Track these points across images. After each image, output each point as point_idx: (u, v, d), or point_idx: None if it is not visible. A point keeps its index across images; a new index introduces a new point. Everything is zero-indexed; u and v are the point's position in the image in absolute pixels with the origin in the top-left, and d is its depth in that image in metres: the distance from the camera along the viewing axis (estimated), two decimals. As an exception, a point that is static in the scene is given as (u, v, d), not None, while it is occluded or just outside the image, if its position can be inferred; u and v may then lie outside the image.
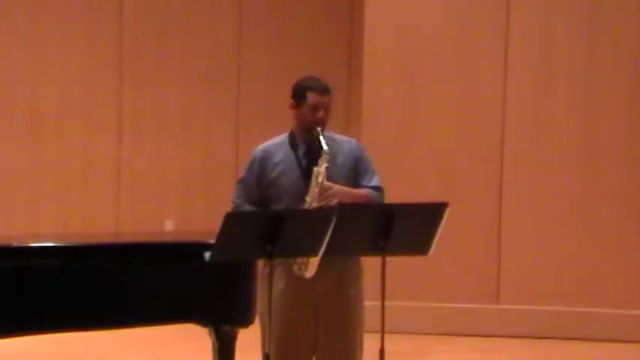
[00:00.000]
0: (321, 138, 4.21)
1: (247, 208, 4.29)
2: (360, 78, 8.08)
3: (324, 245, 3.91)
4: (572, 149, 7.74)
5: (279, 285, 4.21)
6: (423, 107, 7.84)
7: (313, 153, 4.26)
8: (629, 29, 7.69)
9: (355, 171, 4.34)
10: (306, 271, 4.19)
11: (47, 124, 9.45)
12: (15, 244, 4.26)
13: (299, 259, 4.17)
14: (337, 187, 4.21)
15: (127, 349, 6.95)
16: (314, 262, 4.16)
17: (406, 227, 4.00)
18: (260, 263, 4.26)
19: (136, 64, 9.55)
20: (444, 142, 7.81)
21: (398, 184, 7.78)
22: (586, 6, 7.73)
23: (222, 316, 4.41)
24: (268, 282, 4.01)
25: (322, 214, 4.01)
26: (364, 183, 4.35)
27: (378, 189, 4.36)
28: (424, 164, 7.76)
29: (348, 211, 3.97)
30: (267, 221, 3.88)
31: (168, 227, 9.44)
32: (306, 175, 4.24)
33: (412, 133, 7.83)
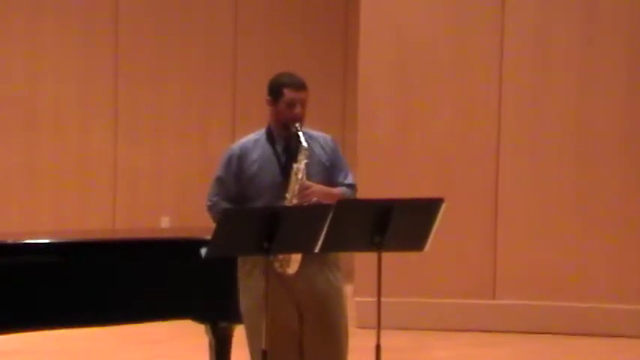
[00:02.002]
0: (300, 134, 4.21)
1: (224, 205, 4.26)
2: (355, 76, 8.09)
3: (321, 241, 3.92)
4: (568, 146, 7.75)
5: (259, 283, 4.15)
6: (419, 105, 7.85)
7: (291, 149, 4.26)
8: (625, 28, 7.70)
9: (331, 167, 4.35)
10: (288, 268, 4.18)
11: (44, 122, 9.46)
12: (11, 241, 4.27)
13: (280, 257, 4.15)
14: (316, 187, 4.22)
15: (125, 346, 6.95)
16: (296, 258, 4.16)
17: (402, 223, 4.01)
18: (240, 262, 4.25)
19: (132, 63, 9.56)
20: (440, 139, 7.82)
21: (394, 181, 7.83)
22: (582, 5, 7.74)
23: (219, 312, 4.43)
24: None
25: (318, 210, 4.02)
26: (340, 179, 4.36)
27: (351, 187, 4.37)
28: (420, 161, 7.77)
29: (344, 207, 3.98)
30: (264, 218, 3.89)
31: (164, 224, 9.45)
32: (286, 171, 4.24)
33: (408, 130, 7.84)
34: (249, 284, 4.24)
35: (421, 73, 7.84)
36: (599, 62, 7.71)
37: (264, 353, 4.02)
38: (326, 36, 9.88)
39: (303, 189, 4.18)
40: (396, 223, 3.99)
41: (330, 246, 3.96)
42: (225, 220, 3.85)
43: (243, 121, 9.67)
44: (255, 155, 4.32)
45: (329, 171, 4.35)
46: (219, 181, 4.38)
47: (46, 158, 9.45)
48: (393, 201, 4.16)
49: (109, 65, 9.52)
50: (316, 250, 3.95)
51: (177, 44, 9.62)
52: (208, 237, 3.91)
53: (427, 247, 4.10)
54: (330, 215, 3.89)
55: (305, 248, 4.02)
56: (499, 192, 7.81)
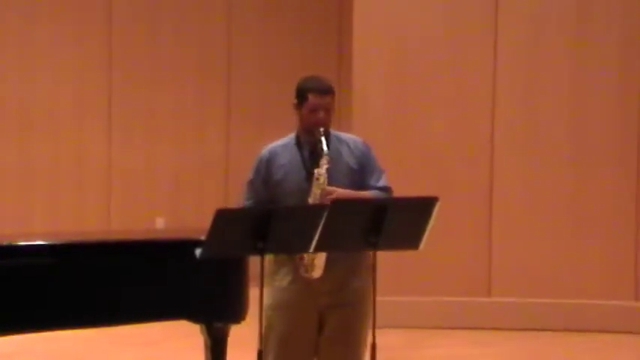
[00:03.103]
0: (322, 139, 4.16)
1: None
2: (350, 76, 8.08)
3: (315, 241, 3.91)
4: (562, 145, 7.77)
5: (283, 283, 4.20)
6: (413, 103, 7.85)
7: (317, 154, 4.20)
8: (617, 28, 7.71)
9: (360, 170, 4.30)
10: (313, 272, 4.16)
11: (38, 122, 9.45)
12: (6, 243, 4.26)
13: (305, 261, 4.14)
14: (340, 191, 4.16)
15: (119, 347, 6.95)
16: (319, 263, 4.14)
17: (397, 222, 4.00)
18: (266, 260, 4.24)
19: (126, 63, 9.55)
20: (435, 137, 7.83)
21: (389, 180, 7.82)
22: (575, 5, 7.75)
23: (214, 312, 4.42)
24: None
25: (313, 210, 4.01)
26: (372, 183, 4.30)
27: (385, 189, 4.32)
28: (415, 160, 7.77)
29: (338, 206, 3.97)
30: (258, 218, 3.88)
31: (159, 225, 9.44)
32: (311, 176, 4.19)
33: (403, 129, 7.84)
34: (274, 284, 4.25)
35: (415, 73, 7.84)
36: (592, 61, 7.73)
37: (260, 354, 4.01)
38: (320, 36, 9.87)
39: (326, 194, 4.12)
40: (391, 223, 3.98)
41: (325, 246, 3.95)
42: (219, 220, 3.85)
43: (237, 122, 9.68)
44: (282, 160, 4.28)
45: (358, 174, 4.29)
46: (251, 184, 4.35)
47: (40, 159, 9.44)
48: (388, 200, 4.16)
49: (103, 66, 9.52)
50: (311, 250, 3.95)
51: (171, 44, 9.62)
52: (203, 237, 3.90)
53: (422, 245, 4.09)
54: (325, 215, 3.88)
55: (300, 248, 4.01)
56: (494, 190, 7.81)
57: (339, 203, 4.01)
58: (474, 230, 7.80)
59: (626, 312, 7.63)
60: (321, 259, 4.14)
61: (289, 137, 4.35)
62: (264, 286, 4.19)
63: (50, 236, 4.66)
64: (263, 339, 4.09)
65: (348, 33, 8.37)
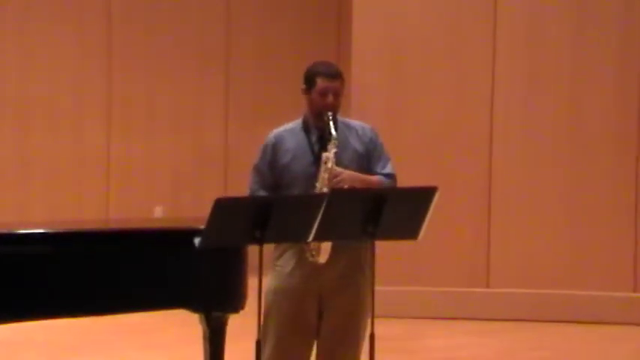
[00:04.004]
0: (331, 123, 4.16)
1: (262, 194, 4.26)
2: (348, 65, 8.07)
3: (314, 231, 3.91)
4: (561, 136, 7.77)
5: (287, 267, 4.21)
6: (411, 93, 7.85)
7: (325, 139, 4.20)
8: (616, 23, 7.72)
9: (367, 156, 4.31)
10: (319, 257, 4.16)
11: (37, 114, 9.45)
12: (4, 231, 4.26)
13: (312, 245, 4.14)
14: (347, 173, 4.17)
15: (118, 336, 6.95)
16: (325, 247, 4.14)
17: (396, 212, 4.00)
18: (271, 247, 4.24)
19: (125, 55, 9.55)
20: (433, 127, 7.82)
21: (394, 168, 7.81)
22: (573, 1, 7.74)
23: (213, 302, 4.41)
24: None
25: (311, 199, 4.01)
26: (377, 169, 4.31)
27: (390, 176, 4.32)
28: (413, 150, 7.77)
29: (337, 196, 3.97)
30: (257, 207, 3.88)
31: (157, 214, 9.44)
32: (319, 160, 4.19)
33: (401, 119, 7.84)
34: (277, 269, 4.27)
35: (414, 62, 7.84)
36: (591, 53, 7.73)
37: (258, 343, 4.02)
38: (319, 28, 9.87)
39: (333, 177, 4.13)
40: (390, 212, 3.97)
41: (323, 235, 3.95)
42: (217, 209, 3.84)
43: (235, 112, 9.68)
44: (289, 144, 4.28)
45: (364, 160, 4.29)
46: (257, 169, 4.35)
47: (39, 149, 9.44)
48: (387, 190, 4.16)
49: (102, 57, 9.51)
50: (310, 239, 3.95)
51: (170, 37, 9.61)
52: (202, 227, 3.90)
53: (421, 236, 4.09)
54: (324, 204, 3.88)
55: (298, 237, 4.01)
56: (492, 181, 7.81)
57: (337, 193, 4.01)
58: (472, 221, 7.80)
59: (625, 303, 7.64)
60: (328, 243, 4.14)
61: (296, 122, 4.36)
62: (266, 270, 4.21)
63: (49, 225, 4.65)
64: (262, 324, 4.11)
65: (347, 24, 8.36)
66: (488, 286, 7.84)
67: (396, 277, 7.55)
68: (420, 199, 4.05)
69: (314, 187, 4.17)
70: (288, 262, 4.24)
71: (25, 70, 9.43)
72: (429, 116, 7.83)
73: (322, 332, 4.27)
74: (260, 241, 3.91)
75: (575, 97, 7.76)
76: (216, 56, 9.72)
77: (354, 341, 4.29)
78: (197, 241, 4.05)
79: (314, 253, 4.17)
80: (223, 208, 3.88)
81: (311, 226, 3.89)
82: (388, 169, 4.34)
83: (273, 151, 4.30)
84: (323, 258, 4.17)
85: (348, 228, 4.02)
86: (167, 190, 9.63)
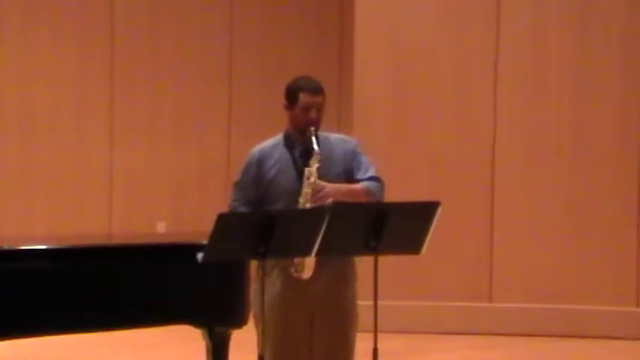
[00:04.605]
0: (313, 138, 4.18)
1: (243, 210, 4.25)
2: (351, 76, 8.08)
3: (317, 245, 3.90)
4: (564, 147, 7.76)
5: (275, 286, 4.20)
6: (414, 105, 7.85)
7: (309, 153, 4.22)
8: (620, 29, 7.71)
9: (349, 169, 4.31)
10: (303, 273, 4.17)
11: (39, 126, 9.44)
12: (7, 246, 4.25)
13: (295, 261, 4.15)
14: (331, 186, 4.18)
15: (121, 352, 6.94)
16: (310, 263, 4.14)
17: (398, 226, 4.00)
18: (254, 264, 4.25)
19: (128, 66, 9.54)
20: (436, 140, 7.82)
21: (389, 183, 7.77)
22: (577, 5, 7.75)
23: (216, 317, 4.41)
24: (261, 283, 4.01)
25: (314, 214, 4.01)
26: (359, 176, 4.31)
27: (374, 178, 4.32)
28: (416, 163, 7.77)
29: (340, 210, 3.96)
30: (260, 222, 3.88)
31: (160, 229, 9.43)
32: (302, 176, 4.20)
33: (404, 131, 7.84)
34: (266, 286, 4.24)
35: (416, 73, 7.84)
36: (594, 62, 7.72)
37: (261, 358, 4.01)
38: (321, 37, 9.86)
39: (317, 191, 4.14)
40: (392, 227, 3.98)
41: (326, 250, 3.95)
42: (220, 224, 3.84)
43: (239, 125, 9.66)
44: (273, 160, 4.30)
45: (349, 172, 4.30)
46: (239, 185, 4.36)
47: (41, 162, 9.43)
48: (389, 205, 4.16)
49: (104, 69, 9.51)
50: (313, 254, 3.94)
51: (173, 47, 9.61)
52: (205, 242, 3.90)
53: (424, 250, 4.09)
54: (327, 219, 3.88)
55: (301, 252, 4.01)
56: (495, 194, 7.81)
57: (340, 207, 4.01)
58: (475, 235, 7.79)
59: (628, 318, 7.62)
60: (312, 259, 4.13)
61: (277, 137, 4.38)
62: (253, 291, 4.23)
63: (51, 240, 4.65)
64: (260, 341, 4.11)
65: (349, 35, 8.37)
66: (490, 301, 7.82)
67: (398, 291, 7.53)
68: (423, 213, 4.06)
69: (297, 202, 4.17)
70: (276, 281, 4.21)
71: (28, 82, 9.43)
72: (432, 129, 7.82)
73: (314, 346, 4.26)
74: (263, 256, 3.91)
75: (578, 109, 7.74)
76: (219, 68, 9.71)
77: (346, 353, 4.29)
78: (200, 256, 4.04)
79: (298, 268, 4.17)
80: (226, 223, 3.88)
81: (314, 241, 3.89)
82: (370, 173, 4.34)
83: (257, 166, 4.31)
84: (307, 274, 4.17)
85: (351, 243, 4.02)
86: (170, 202, 9.62)
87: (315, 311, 4.25)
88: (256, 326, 4.24)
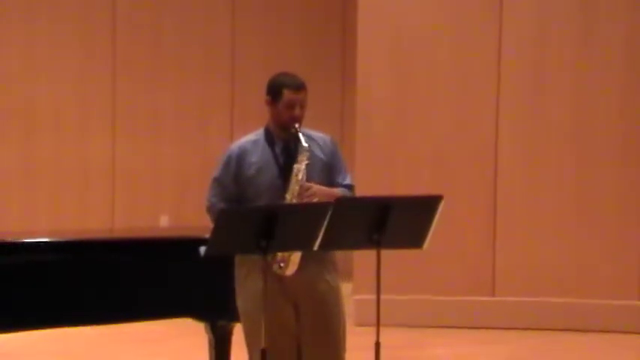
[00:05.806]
0: (300, 135, 4.19)
1: (222, 206, 4.22)
2: (354, 73, 8.09)
3: (319, 239, 3.91)
4: (567, 143, 7.76)
5: (257, 284, 4.13)
6: (417, 102, 7.85)
7: (290, 150, 4.23)
8: (623, 27, 7.70)
9: (330, 167, 4.32)
10: (287, 269, 4.16)
11: (42, 122, 9.45)
12: (10, 240, 4.27)
13: (279, 258, 4.14)
14: (316, 187, 4.19)
15: (124, 345, 6.95)
16: (294, 259, 4.15)
17: (401, 220, 4.00)
18: (237, 263, 4.23)
19: (130, 63, 9.55)
20: (439, 136, 7.82)
21: (392, 179, 7.82)
22: (580, 4, 7.75)
23: (219, 311, 4.42)
24: (264, 277, 4.01)
25: (317, 208, 4.01)
26: (339, 181, 4.33)
27: (350, 187, 4.35)
28: (418, 159, 7.77)
29: (343, 204, 3.97)
30: (262, 216, 3.89)
31: (163, 223, 9.44)
32: (284, 172, 4.21)
33: (406, 128, 7.84)
34: (247, 285, 4.23)
35: (419, 70, 7.84)
36: (596, 60, 7.72)
37: (264, 352, 4.01)
38: (324, 34, 9.87)
39: (304, 190, 4.15)
40: (395, 221, 3.98)
41: (328, 244, 3.96)
42: (223, 219, 3.85)
43: (241, 120, 9.67)
44: (254, 156, 4.29)
45: (328, 172, 4.31)
46: (217, 182, 4.35)
47: (44, 158, 9.45)
48: (392, 198, 4.16)
49: (107, 65, 9.52)
50: (315, 248, 3.95)
51: (175, 44, 9.62)
52: (207, 236, 3.91)
53: (426, 244, 4.09)
54: (329, 213, 3.88)
55: (304, 246, 4.02)
56: (498, 189, 7.81)
57: (343, 201, 4.02)
58: (478, 229, 7.80)
59: (631, 312, 7.62)
60: (297, 255, 4.14)
61: (257, 133, 4.37)
62: (237, 292, 4.21)
63: (55, 234, 4.67)
64: (249, 337, 4.13)
65: (352, 31, 8.37)
66: (493, 295, 7.83)
67: (401, 286, 7.54)
68: (425, 207, 4.06)
69: (282, 198, 4.17)
70: (257, 279, 4.12)
71: (30, 79, 9.44)
72: (435, 125, 7.83)
73: (303, 336, 4.25)
74: (265, 251, 3.92)
75: (581, 105, 7.74)
76: (222, 64, 9.72)
77: (335, 340, 4.28)
78: (202, 250, 4.06)
79: (282, 265, 4.16)
80: (229, 217, 3.89)
81: (316, 235, 3.90)
82: (348, 181, 4.36)
83: (237, 163, 4.29)
84: (290, 270, 4.17)
85: (353, 236, 4.02)
86: (172, 199, 9.63)
87: (300, 306, 4.23)
88: (245, 326, 4.22)
